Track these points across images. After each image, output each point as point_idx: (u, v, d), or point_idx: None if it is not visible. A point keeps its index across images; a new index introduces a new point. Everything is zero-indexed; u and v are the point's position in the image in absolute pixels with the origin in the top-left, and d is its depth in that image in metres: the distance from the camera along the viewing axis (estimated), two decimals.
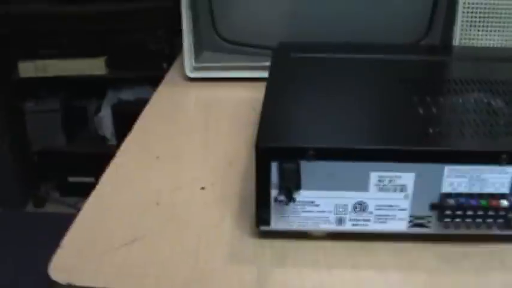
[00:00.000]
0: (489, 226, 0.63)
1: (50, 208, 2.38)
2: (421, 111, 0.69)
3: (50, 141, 2.33)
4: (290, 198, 0.61)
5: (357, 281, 0.62)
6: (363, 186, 0.62)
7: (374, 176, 0.61)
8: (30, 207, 2.40)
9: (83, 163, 2.27)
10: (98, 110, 2.28)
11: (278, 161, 0.61)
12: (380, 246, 0.66)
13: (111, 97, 2.24)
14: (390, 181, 0.61)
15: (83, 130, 2.40)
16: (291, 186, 0.61)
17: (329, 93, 0.75)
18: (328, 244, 0.66)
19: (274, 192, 0.62)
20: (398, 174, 0.61)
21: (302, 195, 0.62)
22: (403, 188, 0.62)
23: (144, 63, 1.95)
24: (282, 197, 0.60)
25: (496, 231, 0.64)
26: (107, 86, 2.27)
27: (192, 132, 0.92)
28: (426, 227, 0.64)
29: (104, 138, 2.29)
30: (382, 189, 0.62)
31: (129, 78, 2.11)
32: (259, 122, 0.66)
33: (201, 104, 1.06)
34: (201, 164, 0.82)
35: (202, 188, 0.76)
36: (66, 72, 2.05)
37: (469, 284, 0.61)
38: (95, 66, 2.06)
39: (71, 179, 2.35)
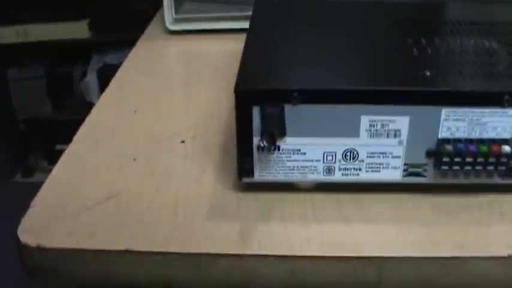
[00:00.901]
0: (490, 174, 0.59)
1: (38, 177, 2.33)
2: (416, 52, 0.64)
3: (36, 110, 2.28)
4: (274, 145, 0.56)
5: (348, 235, 0.57)
6: (353, 132, 0.57)
7: (365, 120, 0.56)
8: (18, 178, 2.35)
9: (71, 130, 2.22)
10: (84, 75, 2.23)
11: (260, 105, 0.56)
12: (373, 198, 0.61)
13: (96, 61, 2.19)
14: (383, 126, 0.56)
15: (69, 96, 2.34)
16: (274, 131, 0.55)
17: (316, 36, 0.69)
18: (317, 196, 0.61)
19: (256, 140, 0.57)
20: (391, 118, 0.56)
21: (287, 142, 0.57)
22: (396, 134, 0.57)
23: (128, 24, 1.88)
24: (264, 143, 0.54)
25: (497, 180, 0.59)
26: (91, 50, 2.21)
27: (172, 86, 0.87)
28: (422, 176, 0.59)
29: (91, 104, 2.23)
30: (373, 134, 0.57)
31: (113, 40, 2.05)
32: (239, 65, 0.60)
33: (182, 57, 1.01)
34: (181, 117, 0.78)
35: (182, 142, 0.71)
36: (48, 36, 1.99)
37: (467, 237, 0.57)
38: (77, 30, 1.99)
39: (59, 147, 2.30)
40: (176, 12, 1.03)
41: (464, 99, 0.56)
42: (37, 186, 0.63)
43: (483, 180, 0.59)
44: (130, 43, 1.02)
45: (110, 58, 2.13)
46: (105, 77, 2.15)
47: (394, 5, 0.81)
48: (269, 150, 0.56)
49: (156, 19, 1.14)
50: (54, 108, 2.31)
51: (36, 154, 2.39)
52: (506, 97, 0.56)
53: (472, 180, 0.59)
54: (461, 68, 0.61)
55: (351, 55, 0.65)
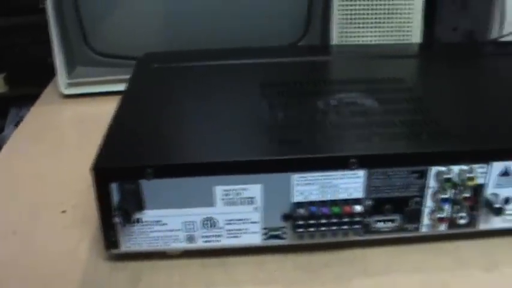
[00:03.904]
0: (346, 233, 0.61)
1: None
2: (279, 117, 0.67)
3: None
4: (128, 220, 0.58)
5: None
6: (209, 202, 0.59)
7: (219, 190, 0.58)
8: None
9: None
10: (1, 129, 2.21)
11: (117, 182, 0.57)
12: (238, 261, 0.63)
13: (13, 115, 2.17)
14: (237, 194, 0.59)
15: None
16: (129, 207, 0.57)
17: (185, 105, 0.72)
18: (185, 262, 0.64)
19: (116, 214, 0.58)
20: (244, 186, 0.59)
21: (147, 215, 0.59)
22: (251, 201, 0.59)
23: (44, 77, 1.88)
24: (118, 220, 0.56)
25: (357, 237, 0.62)
26: (8, 104, 2.20)
27: (60, 152, 0.88)
28: (282, 238, 0.62)
29: None
30: (229, 203, 0.59)
31: (30, 94, 2.04)
32: (102, 140, 0.62)
33: (75, 121, 1.02)
34: (65, 185, 0.79)
35: (63, 212, 0.72)
36: None
37: None
38: None
39: None
40: (69, 76, 1.04)
41: (312, 164, 0.59)
42: None
43: (341, 238, 0.62)
44: None
45: (28, 112, 2.11)
46: None
47: (273, 65, 0.84)
48: (124, 225, 0.58)
49: (53, 81, 1.14)
50: None
51: None
52: (352, 160, 0.59)
53: (330, 239, 0.62)
54: (316, 132, 0.64)
55: (210, 124, 0.67)
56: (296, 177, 0.59)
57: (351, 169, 0.59)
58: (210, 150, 0.61)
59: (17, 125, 2.02)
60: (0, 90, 1.96)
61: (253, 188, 0.59)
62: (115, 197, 0.58)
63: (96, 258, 0.64)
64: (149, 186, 0.58)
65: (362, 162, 0.59)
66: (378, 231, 0.63)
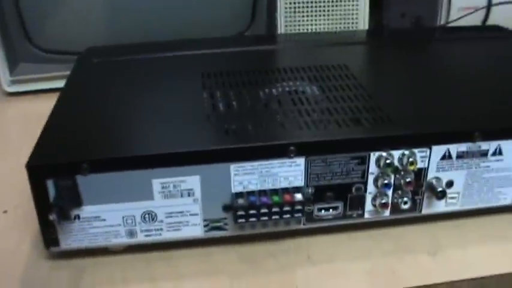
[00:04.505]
0: (287, 222, 0.61)
1: None
2: (221, 107, 0.67)
3: None
4: (65, 217, 0.57)
5: None
6: (148, 195, 0.59)
7: (156, 183, 0.58)
8: None
9: None
10: None
11: (53, 179, 0.56)
12: (181, 254, 0.63)
13: None
14: (175, 186, 0.58)
15: None
16: (67, 203, 0.57)
17: (125, 98, 0.71)
18: (128, 257, 0.63)
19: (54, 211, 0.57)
20: (181, 178, 0.58)
21: (85, 211, 0.58)
22: (190, 193, 0.59)
23: None
24: (53, 217, 0.55)
25: (299, 226, 0.62)
26: None
27: (3, 151, 0.86)
28: (224, 229, 0.61)
29: None
30: (168, 195, 0.59)
31: None
32: (39, 136, 0.61)
33: (19, 119, 1.00)
34: (6, 185, 0.77)
35: (5, 212, 0.71)
36: None
37: (272, 284, 0.59)
38: None
39: None
40: (12, 73, 1.02)
41: (250, 154, 0.59)
42: None
43: (283, 227, 0.62)
44: None
45: None
46: None
47: (216, 56, 0.83)
48: (61, 222, 0.57)
49: None
50: None
51: None
52: (291, 148, 0.59)
53: (272, 229, 0.62)
54: (255, 121, 0.64)
55: (152, 117, 0.66)
56: (234, 167, 0.58)
57: (290, 157, 0.59)
58: (148, 143, 0.60)
59: None
60: None
61: (192, 180, 0.58)
62: (51, 194, 0.57)
63: (38, 257, 0.64)
64: (86, 182, 0.57)
65: (301, 149, 0.59)
66: (321, 219, 0.63)
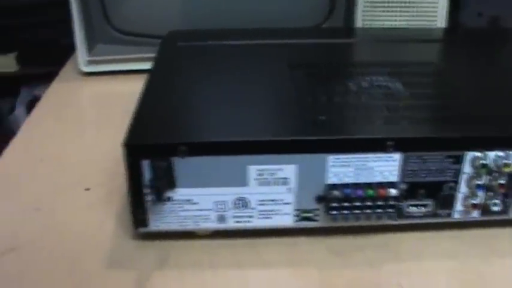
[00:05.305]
0: (379, 217, 0.60)
1: None
2: (309, 98, 0.66)
3: None
4: (160, 198, 0.56)
5: (242, 280, 0.58)
6: (242, 181, 0.58)
7: (253, 170, 0.57)
8: None
9: None
10: (12, 109, 2.20)
11: (149, 159, 0.56)
12: (268, 242, 0.62)
13: (24, 95, 2.16)
14: (271, 174, 0.58)
15: None
16: (161, 185, 0.56)
17: (213, 83, 0.71)
18: (214, 243, 0.62)
19: (147, 192, 0.57)
20: (278, 166, 0.57)
21: (178, 193, 0.58)
22: (285, 181, 0.58)
23: (56, 57, 1.87)
24: (150, 197, 0.55)
25: (390, 221, 0.61)
26: (19, 84, 2.19)
27: (82, 130, 0.87)
28: (314, 220, 0.60)
29: None
30: (262, 183, 0.58)
31: (41, 73, 2.03)
32: (132, 116, 0.61)
33: (95, 99, 1.01)
34: (88, 163, 0.77)
35: (87, 189, 0.71)
36: None
37: (361, 278, 0.58)
38: (5, 63, 1.97)
39: None
40: (89, 53, 1.02)
41: (348, 146, 0.58)
42: None
43: (374, 222, 0.61)
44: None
45: (39, 91, 2.10)
46: None
47: (299, 47, 0.82)
48: (157, 203, 0.57)
49: (71, 60, 1.13)
50: None
51: None
52: (389, 143, 0.58)
53: (363, 222, 0.61)
54: (351, 114, 0.63)
55: (243, 103, 0.66)
56: (331, 159, 0.57)
57: (388, 152, 0.58)
58: (244, 129, 0.59)
59: (28, 104, 2.01)
60: (12, 69, 1.94)
61: (288, 169, 0.57)
62: (146, 174, 0.57)
63: (123, 237, 0.63)
64: (182, 164, 0.57)
65: (399, 145, 0.58)
66: (411, 216, 0.62)
